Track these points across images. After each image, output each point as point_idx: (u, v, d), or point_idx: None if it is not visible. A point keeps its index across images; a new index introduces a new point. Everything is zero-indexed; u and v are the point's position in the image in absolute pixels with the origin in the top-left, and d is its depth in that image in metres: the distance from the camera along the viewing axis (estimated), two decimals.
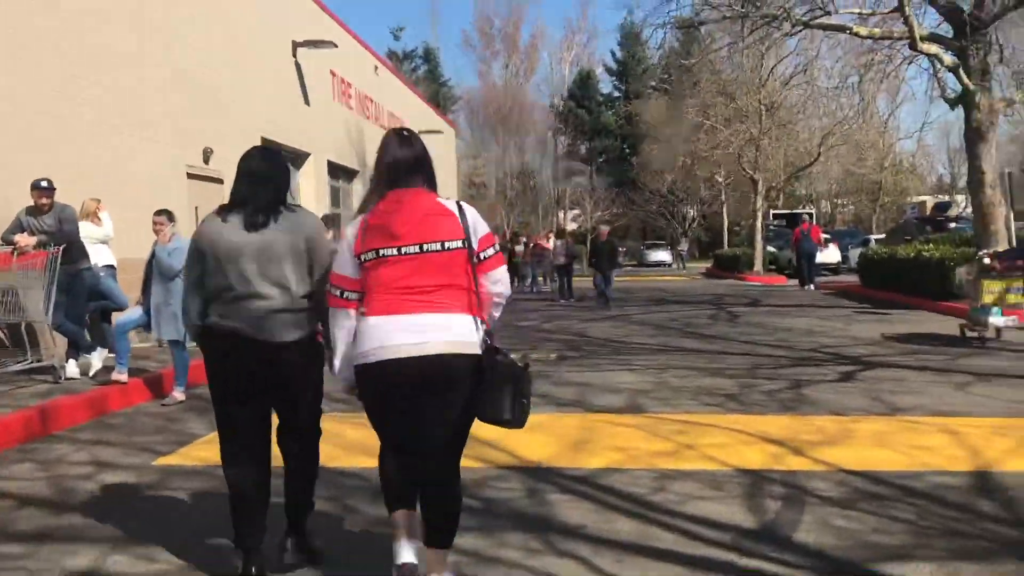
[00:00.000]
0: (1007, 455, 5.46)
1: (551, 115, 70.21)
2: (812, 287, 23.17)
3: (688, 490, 4.80)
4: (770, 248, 35.09)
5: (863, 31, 16.49)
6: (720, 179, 44.58)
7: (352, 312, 3.31)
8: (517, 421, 3.29)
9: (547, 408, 7.28)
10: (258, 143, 15.58)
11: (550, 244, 26.89)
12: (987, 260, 11.46)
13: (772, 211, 40.60)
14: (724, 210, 49.82)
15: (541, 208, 66.28)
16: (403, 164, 3.33)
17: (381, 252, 3.22)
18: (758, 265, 33.92)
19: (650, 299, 21.42)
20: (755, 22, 17.06)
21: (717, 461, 5.40)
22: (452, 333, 3.19)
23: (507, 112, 67.11)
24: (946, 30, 15.94)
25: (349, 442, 5.80)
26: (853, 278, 24.22)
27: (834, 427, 6.36)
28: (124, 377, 8.13)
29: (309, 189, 18.48)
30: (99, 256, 9.46)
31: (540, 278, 26.63)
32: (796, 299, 20.10)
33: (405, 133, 3.44)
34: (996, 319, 10.96)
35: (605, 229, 21.03)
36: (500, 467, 5.35)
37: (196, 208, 12.79)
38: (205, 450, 5.84)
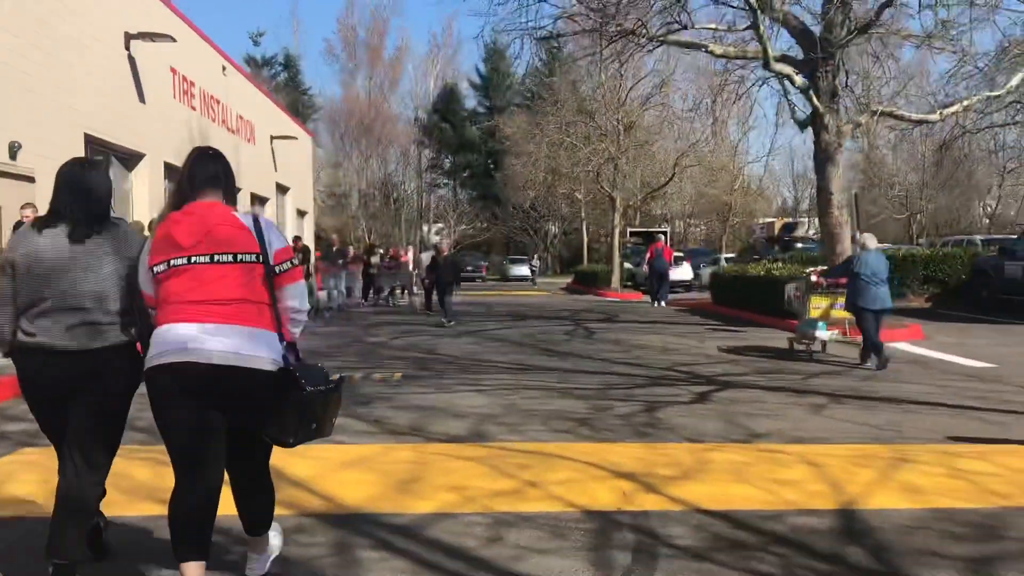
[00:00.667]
0: (870, 488, 5.09)
1: (415, 128, 69.41)
2: (663, 304, 23.45)
3: (527, 540, 4.15)
4: (627, 265, 35.41)
5: (718, 50, 16.53)
6: (580, 196, 44.89)
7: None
8: (302, 439, 3.27)
9: (379, 437, 6.53)
10: (80, 140, 14.28)
11: (408, 257, 26.14)
12: (814, 278, 12.07)
13: (629, 229, 41.05)
14: (584, 227, 50.30)
15: (404, 221, 65.29)
16: (202, 176, 3.36)
17: (171, 262, 3.21)
18: (615, 282, 34.11)
19: (509, 314, 20.94)
20: (612, 36, 16.83)
21: (563, 501, 4.79)
22: (238, 345, 3.15)
23: (370, 123, 65.94)
24: (797, 53, 16.16)
25: (136, 484, 4.88)
26: (705, 295, 24.52)
27: (690, 458, 5.87)
28: None
29: (143, 192, 17.05)
30: None
31: (398, 291, 25.70)
32: (651, 316, 20.03)
33: (210, 152, 3.52)
34: (822, 333, 11.57)
35: (445, 245, 21.26)
36: (308, 515, 4.55)
37: None
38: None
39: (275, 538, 3.64)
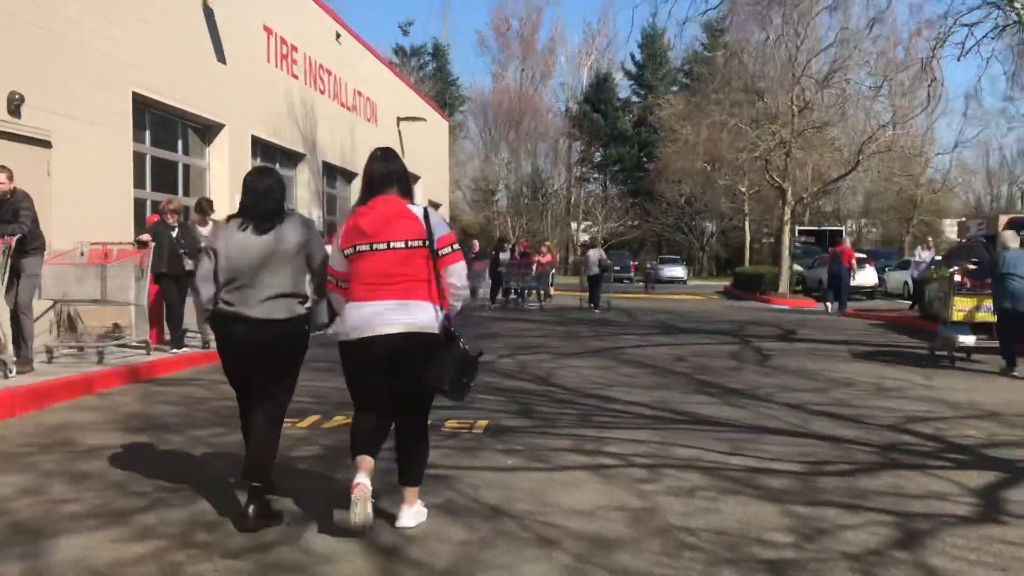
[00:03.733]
0: None
1: (565, 120, 66.27)
2: (833, 308, 21.30)
3: None
4: (797, 267, 30.90)
5: None
6: (743, 189, 40.42)
7: (340, 299, 4.17)
8: (453, 394, 4.10)
9: None
10: (127, 100, 11.76)
11: (549, 256, 22.75)
12: (957, 277, 11.23)
13: (798, 228, 36.26)
14: (746, 224, 45.58)
15: (550, 217, 62.23)
16: (379, 177, 4.15)
17: (358, 247, 4.06)
18: (784, 286, 29.75)
19: (656, 324, 17.25)
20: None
21: None
22: (411, 316, 3.98)
23: (519, 115, 63.36)
24: None
25: None
26: (895, 304, 20.04)
27: None
28: None
29: (222, 169, 14.45)
30: None
31: (530, 293, 22.29)
32: (839, 331, 15.89)
33: (385, 152, 4.29)
34: (966, 337, 10.85)
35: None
36: None
37: None
38: None
39: (422, 511, 4.24)
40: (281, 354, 4.29)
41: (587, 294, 20.97)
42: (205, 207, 10.64)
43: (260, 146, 16.31)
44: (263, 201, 4.33)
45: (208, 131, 14.37)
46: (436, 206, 31.50)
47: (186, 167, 13.87)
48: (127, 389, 8.00)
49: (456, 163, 66.16)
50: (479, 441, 6.11)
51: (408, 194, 4.18)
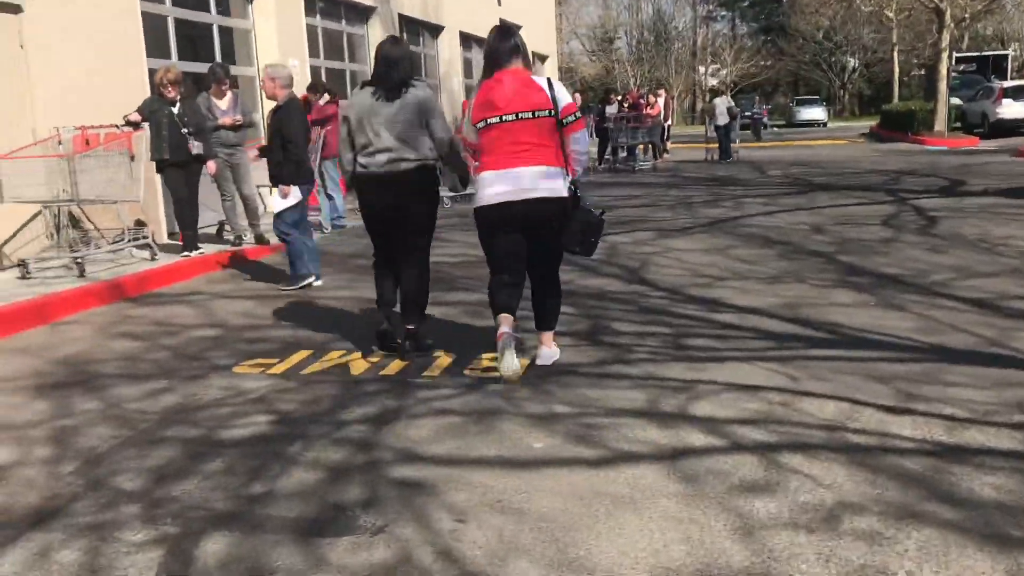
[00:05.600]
0: None
1: None
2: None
3: None
4: (955, 100, 26.88)
5: None
6: (890, 15, 35.55)
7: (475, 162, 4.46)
8: (585, 251, 4.51)
9: None
10: None
11: (658, 106, 20.06)
12: None
13: (955, 55, 31.55)
14: (894, 54, 40.54)
15: (674, 62, 57.88)
16: (504, 51, 4.34)
17: (488, 120, 4.30)
18: (940, 123, 25.97)
19: (788, 181, 14.60)
20: None
21: None
22: (544, 182, 4.26)
23: None
24: None
25: None
26: None
27: None
28: None
29: (269, 30, 12.46)
30: None
31: (644, 150, 19.69)
32: (1019, 177, 12.90)
33: (504, 29, 4.44)
34: None
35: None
36: None
37: None
38: None
39: (556, 350, 4.67)
40: (415, 206, 4.77)
41: (715, 146, 19.91)
42: (220, 74, 8.77)
43: (318, 1, 14.22)
44: (393, 71, 4.70)
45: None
46: (542, 59, 28.79)
47: (224, 30, 11.98)
48: (98, 313, 6.39)
49: (569, 10, 62.30)
50: (506, 397, 4.14)
51: (528, 66, 4.42)
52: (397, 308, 4.98)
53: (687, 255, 7.82)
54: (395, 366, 4.74)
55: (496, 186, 4.28)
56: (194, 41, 11.36)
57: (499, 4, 23.77)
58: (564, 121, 4.28)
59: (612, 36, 61.89)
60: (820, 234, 8.66)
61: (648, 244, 8.52)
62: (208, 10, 11.60)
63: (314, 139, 10.04)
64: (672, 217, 10.48)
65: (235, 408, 4.13)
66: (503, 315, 4.37)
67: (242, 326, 5.81)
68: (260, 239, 9.04)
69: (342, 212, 10.46)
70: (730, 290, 6.28)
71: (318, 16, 14.35)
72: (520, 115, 4.23)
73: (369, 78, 4.89)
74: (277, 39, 12.51)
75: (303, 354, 5.04)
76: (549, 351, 4.63)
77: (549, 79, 4.33)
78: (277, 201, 6.70)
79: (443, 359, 4.84)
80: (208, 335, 5.58)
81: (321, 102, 10.29)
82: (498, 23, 20.70)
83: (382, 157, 4.67)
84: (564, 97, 4.32)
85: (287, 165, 6.54)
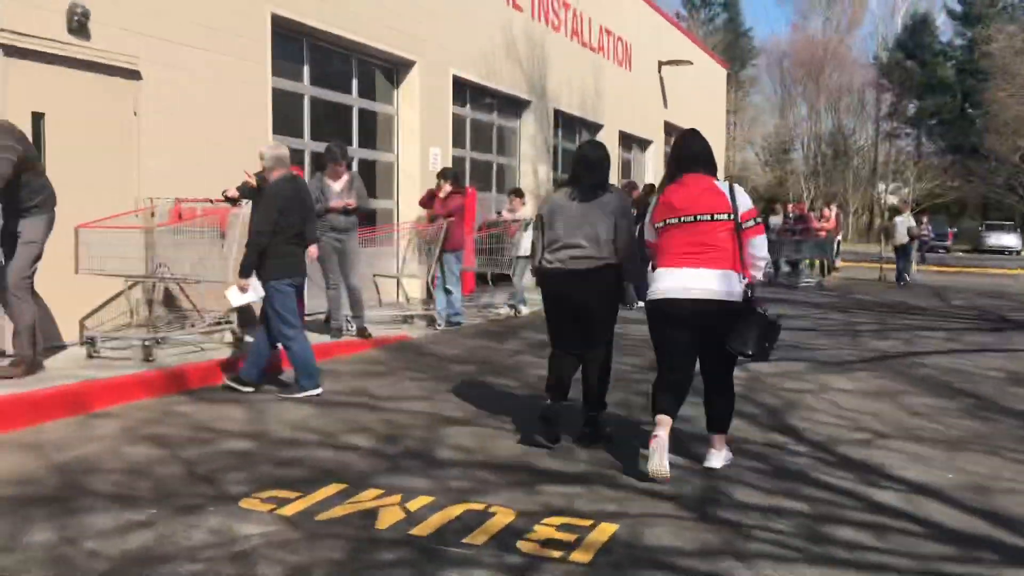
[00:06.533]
0: None
1: (874, 70, 58.63)
2: None
3: None
4: None
5: None
6: None
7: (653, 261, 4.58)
8: (759, 356, 4.44)
9: None
10: (265, 24, 9.53)
11: (830, 223, 18.51)
12: None
13: None
14: None
15: (852, 177, 55.35)
16: (690, 156, 4.51)
17: (668, 221, 4.43)
18: None
19: (975, 314, 12.71)
20: None
21: None
22: (718, 284, 4.29)
23: (820, 65, 56.93)
24: None
25: None
26: None
27: None
28: None
29: (412, 116, 12.05)
30: None
31: (802, 265, 18.01)
32: None
33: (692, 134, 4.61)
34: None
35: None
36: None
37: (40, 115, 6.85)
38: None
39: (728, 454, 4.61)
40: (596, 302, 4.86)
41: (891, 267, 18.54)
42: (336, 154, 8.20)
43: (468, 90, 13.79)
44: (592, 173, 4.93)
45: (394, 69, 12.02)
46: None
47: (366, 112, 11.62)
48: (142, 406, 5.61)
49: (746, 119, 61.05)
50: None
51: (713, 171, 4.52)
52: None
53: (845, 398, 6.41)
54: (434, 521, 3.67)
55: (668, 281, 4.40)
56: (331, 120, 11.01)
57: (665, 106, 23.01)
58: (744, 225, 4.35)
59: (788, 147, 60.14)
60: (1018, 386, 7.03)
61: (799, 379, 7.15)
62: (349, 91, 11.27)
63: (435, 232, 9.33)
64: (832, 346, 9.02)
65: (206, 566, 3.16)
66: (661, 416, 4.41)
67: (283, 440, 4.91)
68: (362, 332, 8.29)
69: (459, 309, 9.62)
70: (896, 454, 4.89)
71: (468, 105, 13.90)
72: (699, 217, 4.34)
73: (567, 178, 5.13)
74: (419, 125, 12.06)
75: (333, 489, 4.05)
76: (719, 453, 4.57)
77: (731, 184, 4.45)
78: (234, 295, 5.89)
79: (499, 517, 3.73)
80: (238, 448, 4.70)
81: (441, 194, 9.55)
82: (661, 125, 19.56)
83: (566, 254, 4.83)
84: (745, 202, 4.40)
85: (249, 256, 5.77)
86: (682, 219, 4.36)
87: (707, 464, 4.51)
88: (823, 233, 17.99)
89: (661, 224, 4.46)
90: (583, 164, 4.95)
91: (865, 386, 6.89)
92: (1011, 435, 5.44)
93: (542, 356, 7.78)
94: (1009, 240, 38.58)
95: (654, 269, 4.53)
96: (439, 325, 9.35)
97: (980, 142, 47.29)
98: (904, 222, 18.66)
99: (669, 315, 4.41)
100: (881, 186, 55.97)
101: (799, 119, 60.62)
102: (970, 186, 50.47)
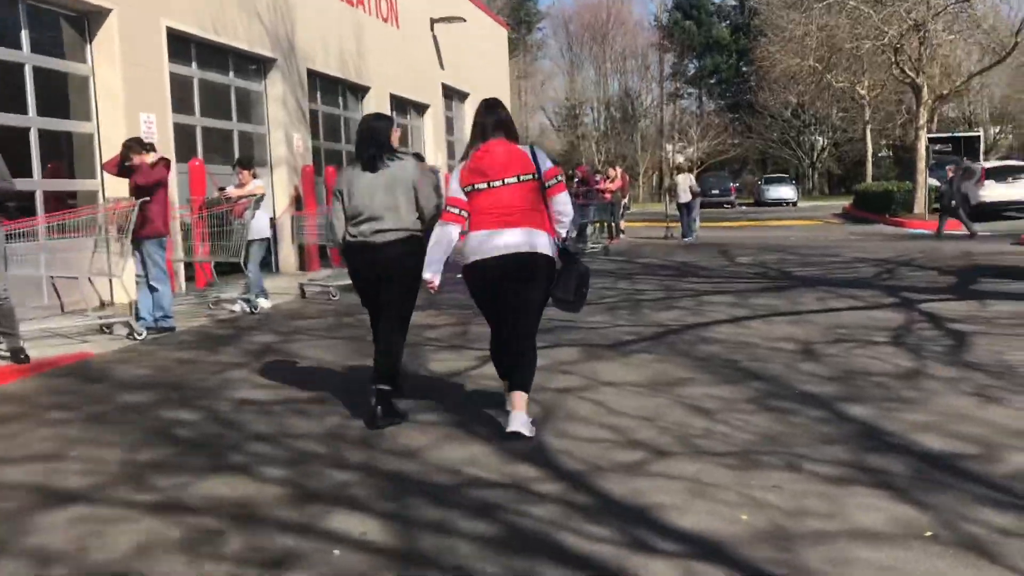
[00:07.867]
0: None
1: (654, 30, 59.91)
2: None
3: None
4: (932, 181, 24.99)
5: None
6: (862, 91, 33.97)
7: (459, 226, 4.55)
8: (576, 304, 4.65)
9: None
10: None
11: (618, 181, 17.83)
12: None
13: (927, 136, 29.84)
14: (867, 133, 38.95)
15: (640, 138, 56.35)
16: (493, 122, 4.62)
17: (476, 186, 4.52)
18: (920, 205, 24.11)
19: (760, 271, 12.15)
20: None
21: None
22: (530, 239, 4.43)
23: (605, 29, 57.47)
24: None
25: None
26: None
27: None
28: None
29: (113, 76, 9.91)
30: None
31: (592, 229, 17.09)
32: None
33: (491, 103, 4.73)
34: None
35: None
36: None
37: None
38: None
39: (527, 419, 4.49)
40: (398, 275, 4.76)
41: (676, 224, 18.95)
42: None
43: (193, 45, 11.74)
44: (374, 142, 4.85)
45: (83, 19, 9.84)
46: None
47: (46, 72, 9.41)
48: None
49: (536, 84, 60.85)
50: None
51: (515, 137, 4.68)
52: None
53: (616, 396, 5.21)
54: None
55: (483, 245, 4.46)
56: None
57: (441, 68, 21.54)
58: (547, 184, 4.50)
59: (578, 112, 60.47)
60: (812, 360, 6.09)
61: (564, 371, 5.91)
62: (20, 48, 9.03)
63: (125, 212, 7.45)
64: (609, 323, 7.89)
65: None
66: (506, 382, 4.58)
67: None
68: (16, 355, 6.35)
69: (168, 310, 7.78)
70: (674, 485, 3.67)
71: (194, 64, 11.86)
72: (506, 181, 4.46)
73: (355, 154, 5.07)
74: (123, 88, 9.97)
75: None
76: (521, 416, 4.45)
77: (532, 147, 4.60)
78: None
79: None
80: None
81: (149, 160, 7.71)
82: (438, 88, 17.74)
83: (368, 227, 4.77)
84: (546, 162, 4.56)
85: None
86: (491, 184, 4.47)
87: (510, 429, 4.37)
88: (607, 196, 17.32)
89: (469, 188, 4.53)
90: (365, 134, 4.93)
91: (641, 376, 5.73)
92: (810, 434, 4.37)
93: (255, 371, 6.23)
94: (786, 192, 40.18)
95: (463, 236, 4.58)
96: (138, 334, 7.48)
97: (755, 99, 49.08)
98: (686, 180, 18.69)
99: (482, 277, 4.51)
100: (668, 146, 57.32)
101: (588, 83, 61.05)
102: (749, 142, 52.49)
